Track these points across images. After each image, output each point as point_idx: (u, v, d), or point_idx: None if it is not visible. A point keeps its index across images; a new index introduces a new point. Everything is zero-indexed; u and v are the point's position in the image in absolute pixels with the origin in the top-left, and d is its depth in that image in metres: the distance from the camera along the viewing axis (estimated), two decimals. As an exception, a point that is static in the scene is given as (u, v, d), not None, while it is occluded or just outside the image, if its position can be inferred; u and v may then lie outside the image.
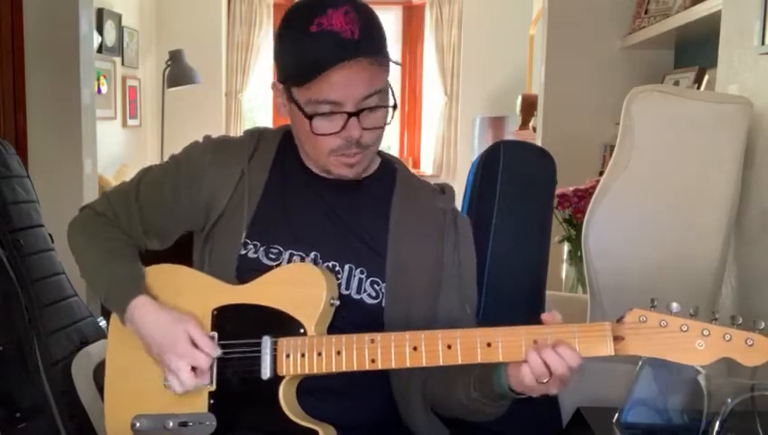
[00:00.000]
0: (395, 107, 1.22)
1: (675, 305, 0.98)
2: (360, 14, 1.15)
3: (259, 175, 1.29)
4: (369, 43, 1.15)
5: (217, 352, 1.15)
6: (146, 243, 1.32)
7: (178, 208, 1.30)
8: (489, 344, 1.03)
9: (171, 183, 1.31)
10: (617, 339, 0.99)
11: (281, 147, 1.33)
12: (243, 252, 1.24)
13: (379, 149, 1.31)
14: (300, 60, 1.16)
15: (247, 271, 1.22)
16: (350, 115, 1.16)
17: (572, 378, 1.02)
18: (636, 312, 0.99)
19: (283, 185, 1.29)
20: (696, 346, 0.96)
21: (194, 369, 1.15)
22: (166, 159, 1.38)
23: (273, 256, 1.23)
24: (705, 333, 0.96)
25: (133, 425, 1.20)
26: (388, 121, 1.23)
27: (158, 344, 1.16)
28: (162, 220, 1.31)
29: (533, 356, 1.00)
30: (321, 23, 1.13)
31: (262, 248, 1.24)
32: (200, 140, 1.35)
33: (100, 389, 1.30)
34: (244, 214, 1.25)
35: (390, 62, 1.19)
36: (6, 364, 1.62)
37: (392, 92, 1.22)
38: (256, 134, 1.35)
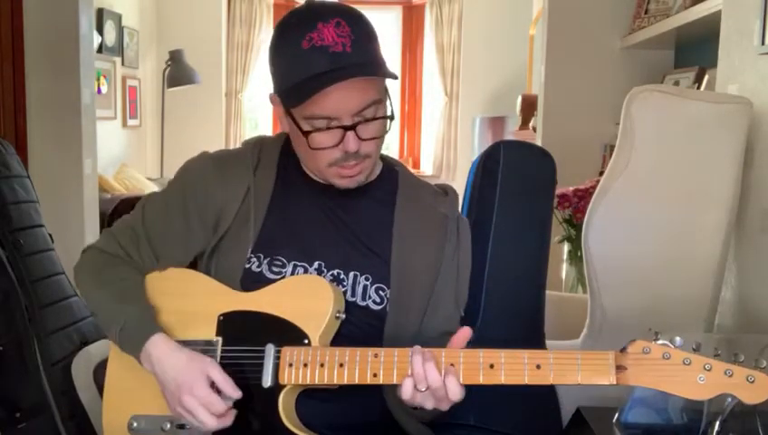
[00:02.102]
0: (392, 118, 1.21)
1: (678, 339, 0.99)
2: (351, 24, 1.14)
3: (265, 188, 1.28)
4: (361, 55, 1.14)
5: (238, 394, 1.11)
6: (162, 268, 1.28)
7: (191, 232, 1.27)
8: (492, 366, 1.03)
9: (179, 208, 1.28)
10: (619, 368, 0.99)
11: (282, 156, 1.32)
12: (247, 266, 1.23)
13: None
14: (293, 78, 1.15)
15: (251, 284, 1.21)
16: (346, 129, 1.16)
17: (444, 400, 1.04)
18: (639, 343, 1.00)
19: (286, 196, 1.28)
20: (698, 380, 0.97)
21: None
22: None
23: (276, 269, 1.23)
24: (707, 367, 0.97)
25: (130, 425, 1.20)
26: (387, 130, 1.22)
27: (178, 386, 1.11)
28: (176, 247, 1.28)
29: (416, 360, 1.03)
30: (312, 38, 1.12)
31: (266, 261, 1.23)
32: (195, 158, 1.32)
33: (100, 389, 1.30)
34: (251, 229, 1.24)
35: (385, 76, 1.17)
36: (6, 364, 1.62)
37: (390, 102, 1.21)
38: (258, 145, 1.33)
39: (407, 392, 1.04)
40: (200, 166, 1.30)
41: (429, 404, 1.05)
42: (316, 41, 1.12)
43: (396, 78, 1.18)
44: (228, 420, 1.11)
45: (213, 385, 1.11)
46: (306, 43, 1.12)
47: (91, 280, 1.28)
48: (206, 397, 1.10)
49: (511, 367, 1.02)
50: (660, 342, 0.99)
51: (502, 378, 1.03)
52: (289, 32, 1.16)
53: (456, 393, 1.03)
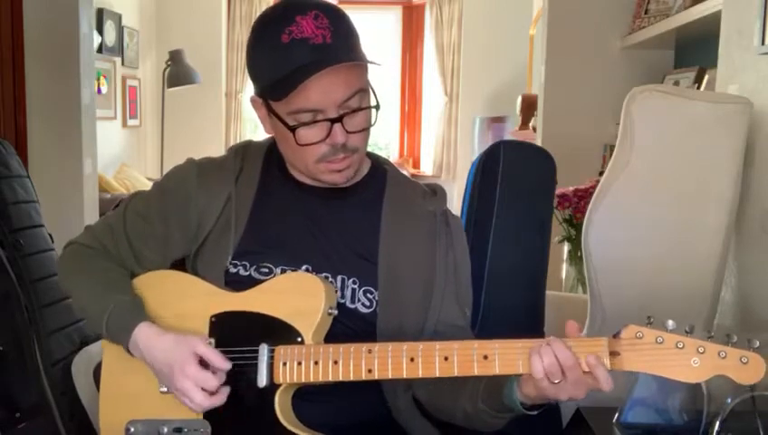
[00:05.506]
0: (377, 107, 1.20)
1: (671, 323, 0.99)
2: (329, 16, 1.14)
3: (246, 196, 1.27)
4: (342, 46, 1.14)
5: (228, 365, 1.12)
6: (140, 270, 1.28)
7: (170, 237, 1.27)
8: (486, 357, 1.03)
9: (159, 213, 1.28)
10: (613, 354, 0.99)
11: (266, 162, 1.31)
12: (234, 270, 1.22)
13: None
14: (275, 73, 1.14)
15: (239, 287, 1.20)
16: (333, 121, 1.15)
17: (579, 388, 0.99)
18: (632, 328, 1.00)
19: (271, 202, 1.27)
20: (692, 363, 0.97)
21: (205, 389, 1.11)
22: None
23: (265, 272, 1.22)
24: (701, 350, 0.97)
25: (127, 430, 1.19)
26: (373, 123, 1.21)
27: (169, 368, 1.12)
28: (154, 250, 1.28)
29: (547, 350, 0.98)
30: (291, 31, 1.11)
31: (252, 268, 1.22)
32: (183, 163, 1.32)
33: (100, 389, 1.29)
34: (231, 238, 1.23)
35: (368, 63, 1.17)
36: (6, 364, 1.62)
37: (374, 92, 1.20)
38: (241, 152, 1.32)
39: (541, 384, 0.98)
40: (184, 172, 1.30)
41: (564, 395, 0.99)
42: (296, 34, 1.11)
43: (379, 65, 1.18)
44: (220, 399, 1.11)
45: (203, 362, 1.12)
46: (285, 36, 1.12)
47: (76, 272, 1.28)
48: (197, 374, 1.10)
49: (505, 357, 1.02)
50: (654, 325, 0.98)
51: (497, 369, 1.02)
52: (267, 27, 1.16)
53: (605, 379, 0.97)
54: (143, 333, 1.16)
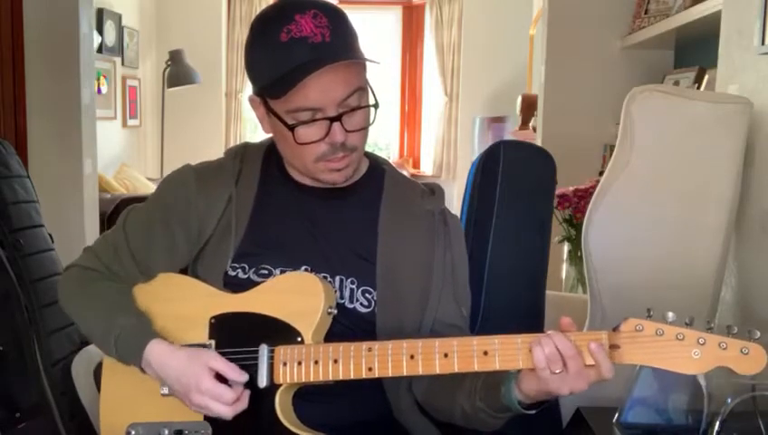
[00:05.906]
0: (376, 106, 1.21)
1: (670, 314, 0.98)
2: (328, 15, 1.14)
3: (247, 198, 1.27)
4: (341, 44, 1.14)
5: (245, 376, 1.11)
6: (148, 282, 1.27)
7: (175, 245, 1.26)
8: (486, 353, 1.03)
9: (161, 223, 1.27)
10: (613, 347, 0.99)
11: (265, 163, 1.31)
12: (233, 273, 1.22)
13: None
14: (274, 72, 1.14)
15: (238, 290, 1.20)
16: (332, 120, 1.15)
17: (581, 380, 0.99)
18: (632, 321, 0.99)
19: (270, 203, 1.27)
20: (692, 355, 0.96)
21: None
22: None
23: (264, 274, 1.22)
24: (701, 341, 0.96)
25: (128, 433, 1.19)
26: (372, 121, 1.21)
27: (184, 386, 1.11)
28: (160, 262, 1.26)
29: (548, 340, 0.98)
30: (290, 30, 1.12)
31: (252, 270, 1.22)
32: (177, 170, 1.31)
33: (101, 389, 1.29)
34: (231, 240, 1.23)
35: (367, 61, 1.17)
36: (6, 364, 1.62)
37: (372, 91, 1.20)
38: (239, 154, 1.32)
39: (540, 360, 0.98)
40: (182, 178, 1.29)
41: (566, 389, 0.99)
42: (294, 32, 1.12)
43: (378, 63, 1.18)
44: (243, 404, 1.11)
45: (218, 376, 1.11)
46: (284, 35, 1.12)
47: (78, 298, 1.27)
48: (214, 390, 1.10)
49: (505, 352, 1.02)
50: (653, 318, 0.98)
51: (497, 365, 1.02)
52: (266, 26, 1.16)
53: (607, 367, 0.97)
54: (155, 352, 1.15)
